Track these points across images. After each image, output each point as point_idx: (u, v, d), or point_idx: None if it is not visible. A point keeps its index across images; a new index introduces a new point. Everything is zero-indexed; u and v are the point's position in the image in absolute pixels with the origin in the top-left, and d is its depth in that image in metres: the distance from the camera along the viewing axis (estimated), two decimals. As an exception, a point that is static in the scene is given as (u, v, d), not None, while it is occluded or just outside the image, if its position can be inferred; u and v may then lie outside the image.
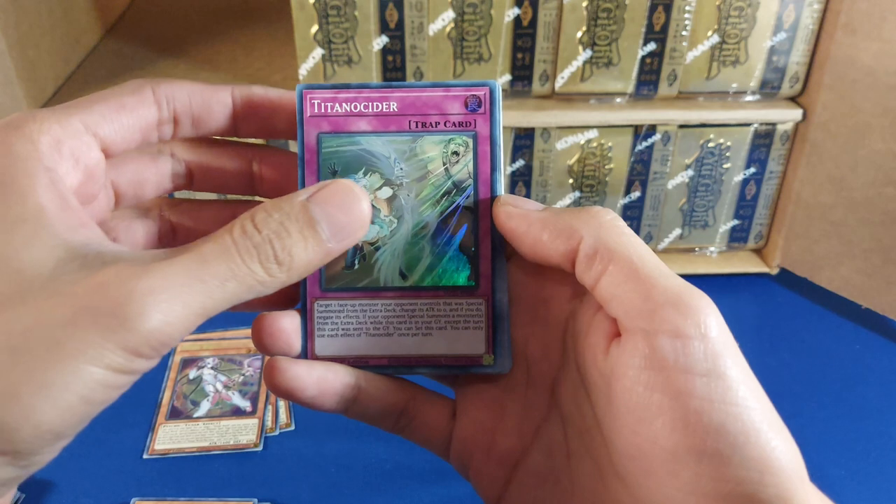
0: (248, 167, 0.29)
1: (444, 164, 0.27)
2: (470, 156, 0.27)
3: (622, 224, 0.25)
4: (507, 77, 0.54)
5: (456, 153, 0.27)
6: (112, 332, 0.19)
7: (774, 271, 0.62)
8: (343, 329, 0.27)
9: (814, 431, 0.49)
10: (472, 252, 0.27)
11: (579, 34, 0.52)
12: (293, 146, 0.29)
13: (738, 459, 0.21)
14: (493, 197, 0.27)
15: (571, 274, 0.25)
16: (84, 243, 0.21)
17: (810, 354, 0.55)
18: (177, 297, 0.20)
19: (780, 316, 0.59)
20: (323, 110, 0.27)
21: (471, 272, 0.28)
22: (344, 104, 0.27)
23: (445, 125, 0.27)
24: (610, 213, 0.25)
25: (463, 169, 0.27)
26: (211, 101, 0.27)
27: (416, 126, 0.27)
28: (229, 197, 0.31)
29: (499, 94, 0.27)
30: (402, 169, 0.27)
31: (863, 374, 0.54)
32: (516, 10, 0.52)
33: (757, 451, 0.21)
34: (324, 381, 0.27)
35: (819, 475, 0.46)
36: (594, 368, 0.25)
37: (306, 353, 0.27)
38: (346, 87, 0.27)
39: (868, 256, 0.56)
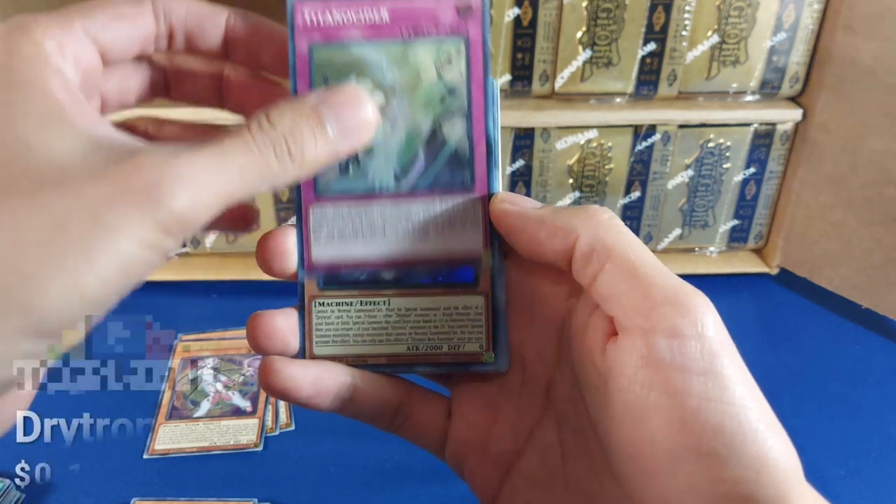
0: (219, 75, 0.29)
1: (437, 69, 0.27)
2: (462, 60, 0.27)
3: (619, 223, 0.25)
4: (507, 77, 0.54)
5: (448, 58, 0.27)
6: (146, 210, 0.21)
7: (774, 271, 0.62)
8: (339, 233, 0.28)
9: (814, 431, 0.49)
10: (467, 155, 0.27)
11: (579, 34, 0.52)
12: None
13: (735, 459, 0.21)
14: (486, 100, 0.27)
15: (568, 272, 0.25)
16: (105, 135, 0.22)
17: (810, 354, 0.55)
18: (202, 183, 0.22)
19: (780, 316, 0.59)
20: (314, 21, 0.27)
21: (466, 173, 0.27)
22: (335, 13, 0.27)
23: (437, 30, 0.27)
24: (607, 211, 0.25)
25: (456, 73, 0.27)
26: (206, 21, 0.27)
27: (408, 33, 0.27)
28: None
29: (488, 3, 0.27)
30: (394, 75, 0.27)
31: (863, 374, 0.53)
32: (516, 10, 0.52)
33: (754, 450, 0.21)
34: (319, 380, 0.27)
35: (818, 475, 0.46)
36: (591, 368, 0.24)
37: (303, 262, 0.28)
38: None
39: (868, 256, 0.56)
